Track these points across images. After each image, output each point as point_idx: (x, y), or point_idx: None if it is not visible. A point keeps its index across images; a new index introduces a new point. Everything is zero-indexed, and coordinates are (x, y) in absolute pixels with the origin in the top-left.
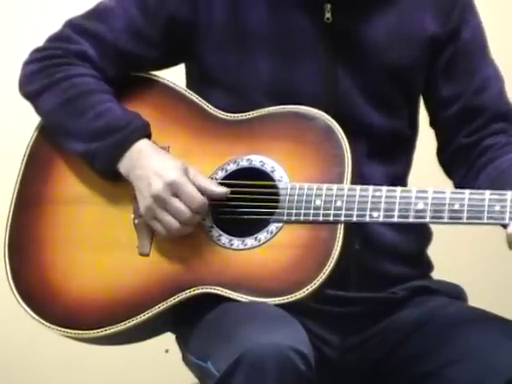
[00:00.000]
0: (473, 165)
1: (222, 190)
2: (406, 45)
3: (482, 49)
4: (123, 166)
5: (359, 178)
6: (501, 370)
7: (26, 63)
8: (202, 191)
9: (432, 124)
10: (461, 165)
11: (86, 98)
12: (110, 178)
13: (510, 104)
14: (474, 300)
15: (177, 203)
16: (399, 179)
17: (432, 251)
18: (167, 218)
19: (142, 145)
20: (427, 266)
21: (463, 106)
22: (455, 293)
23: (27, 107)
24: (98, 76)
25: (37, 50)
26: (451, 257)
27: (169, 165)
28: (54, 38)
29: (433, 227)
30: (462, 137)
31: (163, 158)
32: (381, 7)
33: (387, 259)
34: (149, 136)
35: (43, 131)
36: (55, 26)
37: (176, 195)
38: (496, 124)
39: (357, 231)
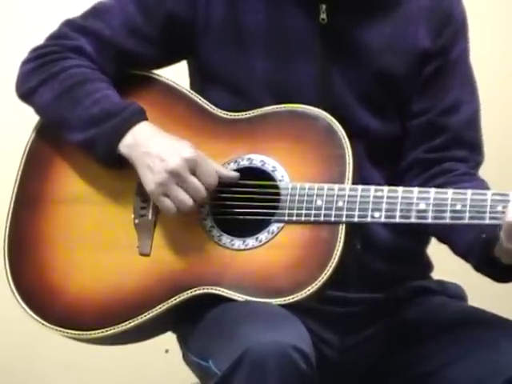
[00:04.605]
0: (429, 180)
1: (234, 173)
2: (398, 56)
3: (462, 73)
4: (124, 147)
5: (358, 181)
6: (501, 370)
7: (24, 62)
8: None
9: None
10: (416, 177)
11: (83, 86)
12: (113, 166)
13: (477, 134)
14: (474, 300)
15: (195, 180)
16: (397, 181)
17: (432, 251)
18: (182, 195)
19: (144, 125)
20: (427, 266)
21: (428, 121)
22: (455, 293)
23: (27, 107)
24: (95, 67)
25: (34, 49)
26: (451, 257)
27: (181, 142)
28: (52, 37)
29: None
30: (422, 151)
31: (170, 136)
32: (377, 14)
33: (387, 259)
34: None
35: (41, 131)
36: (55, 26)
37: (193, 172)
38: (459, 151)
39: (357, 231)
